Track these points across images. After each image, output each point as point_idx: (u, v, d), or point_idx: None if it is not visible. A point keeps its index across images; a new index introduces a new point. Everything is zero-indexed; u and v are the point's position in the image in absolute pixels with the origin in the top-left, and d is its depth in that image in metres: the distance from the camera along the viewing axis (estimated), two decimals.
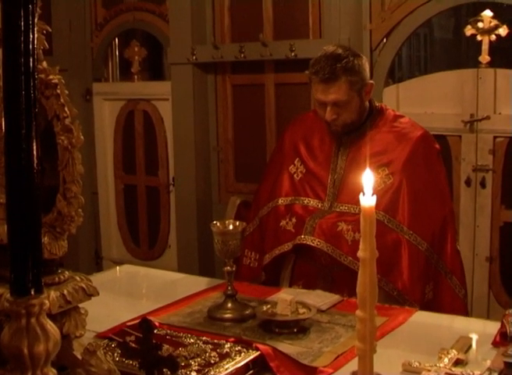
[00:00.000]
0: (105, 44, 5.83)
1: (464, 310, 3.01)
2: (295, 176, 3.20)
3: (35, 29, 1.04)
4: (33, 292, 1.10)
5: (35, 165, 1.07)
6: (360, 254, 1.52)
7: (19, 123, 1.05)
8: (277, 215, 3.16)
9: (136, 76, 5.73)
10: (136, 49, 5.70)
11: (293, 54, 4.65)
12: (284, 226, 3.10)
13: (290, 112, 4.69)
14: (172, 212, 5.55)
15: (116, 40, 5.89)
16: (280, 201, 3.17)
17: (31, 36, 1.04)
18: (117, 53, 5.96)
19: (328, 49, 3.00)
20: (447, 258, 3.02)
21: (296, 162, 3.22)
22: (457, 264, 3.09)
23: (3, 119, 1.17)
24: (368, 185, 1.50)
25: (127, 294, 3.13)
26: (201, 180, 5.30)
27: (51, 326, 1.13)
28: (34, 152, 1.06)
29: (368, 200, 1.49)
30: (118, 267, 3.68)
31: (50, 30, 1.48)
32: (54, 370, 1.14)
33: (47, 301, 1.11)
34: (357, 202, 2.88)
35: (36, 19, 1.05)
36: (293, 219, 3.08)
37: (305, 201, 3.12)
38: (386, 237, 2.84)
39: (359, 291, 1.52)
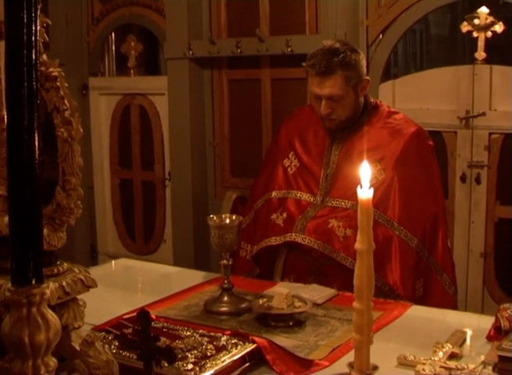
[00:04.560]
0: (102, 38, 5.83)
1: (453, 307, 3.02)
2: (289, 169, 3.22)
3: (37, 21, 1.05)
4: (34, 282, 1.11)
5: (37, 156, 1.08)
6: (357, 246, 1.53)
7: (21, 115, 1.06)
8: (269, 207, 3.18)
9: (132, 71, 5.74)
10: (132, 44, 5.70)
11: (289, 49, 4.66)
12: (274, 219, 3.12)
13: (286, 108, 4.70)
14: (168, 207, 5.56)
15: (113, 34, 5.89)
16: (273, 193, 3.20)
17: (34, 28, 1.04)
18: (113, 48, 5.96)
19: (326, 43, 3.01)
20: (438, 255, 3.04)
21: (290, 155, 3.24)
22: (448, 261, 3.10)
23: (4, 111, 1.17)
24: (365, 178, 1.51)
25: (123, 287, 3.14)
26: (197, 175, 5.30)
27: (51, 315, 1.14)
28: (36, 144, 1.07)
29: (365, 192, 1.50)
30: (113, 261, 3.68)
31: (50, 23, 1.49)
32: (54, 359, 1.15)
33: (47, 291, 1.12)
34: (349, 197, 2.94)
35: (38, 12, 1.06)
36: (284, 215, 3.10)
37: (298, 195, 3.13)
38: (377, 233, 2.84)
39: (356, 283, 1.53)
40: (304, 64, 3.03)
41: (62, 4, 5.65)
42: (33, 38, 1.05)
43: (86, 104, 5.80)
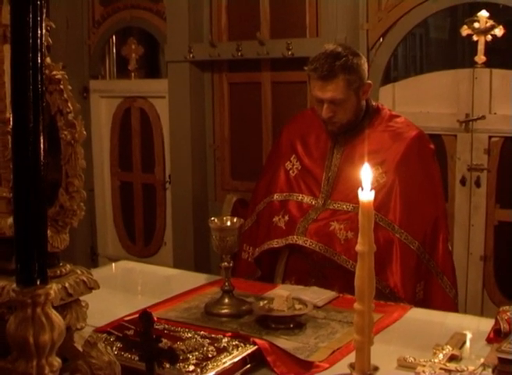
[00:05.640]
0: (102, 41, 5.84)
1: (454, 310, 3.03)
2: (290, 172, 3.23)
3: (43, 24, 1.06)
4: (38, 283, 1.12)
5: (42, 158, 1.09)
6: (358, 248, 1.54)
7: (26, 117, 1.06)
8: (271, 210, 3.19)
9: (133, 74, 5.75)
10: (133, 47, 5.71)
11: (289, 52, 4.67)
12: (276, 222, 3.13)
13: (287, 111, 4.72)
14: (168, 210, 5.56)
15: (113, 37, 5.90)
16: (275, 196, 3.21)
17: (39, 31, 1.05)
18: (114, 50, 5.97)
19: (328, 47, 3.03)
20: (438, 258, 3.04)
21: (292, 158, 3.25)
22: (448, 264, 3.11)
23: (8, 114, 1.18)
24: (366, 180, 1.52)
25: (124, 289, 3.14)
26: (197, 178, 5.31)
27: (56, 316, 1.15)
28: (41, 146, 1.08)
29: (366, 195, 1.51)
30: (114, 263, 3.69)
31: (54, 26, 1.50)
32: (58, 359, 1.16)
33: (52, 292, 1.13)
34: (350, 200, 2.95)
35: (44, 15, 1.07)
36: (286, 217, 3.11)
37: (299, 198, 3.14)
38: (378, 236, 2.85)
39: (357, 285, 1.54)
40: (305, 68, 3.05)
41: (63, 6, 5.66)
42: (38, 41, 1.06)
43: (86, 107, 5.80)
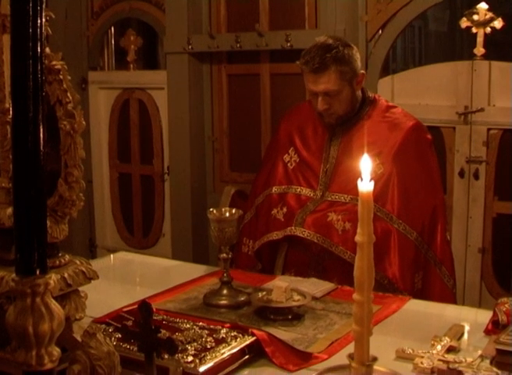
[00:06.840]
0: (101, 32, 5.83)
1: (452, 300, 3.04)
2: (289, 165, 3.23)
3: (43, 14, 1.06)
4: (38, 272, 1.12)
5: (42, 147, 1.09)
6: (357, 238, 1.54)
7: (26, 107, 1.06)
8: (270, 203, 3.19)
9: (131, 65, 5.73)
10: (132, 38, 5.70)
11: (288, 44, 4.67)
12: (275, 214, 3.13)
13: (285, 102, 4.72)
14: (167, 201, 5.57)
15: (112, 29, 5.89)
16: (274, 189, 3.21)
17: (39, 21, 1.05)
18: (113, 42, 5.96)
19: (319, 40, 3.03)
20: (437, 248, 3.05)
21: (290, 151, 3.25)
22: (447, 254, 3.11)
23: (8, 104, 1.18)
24: (365, 170, 1.52)
25: (122, 281, 3.14)
26: (196, 170, 5.31)
27: (55, 305, 1.15)
28: (41, 135, 1.08)
29: (365, 185, 1.51)
30: (112, 255, 3.68)
31: (53, 16, 1.50)
32: (58, 349, 1.16)
33: (52, 281, 1.13)
34: (348, 191, 2.95)
35: (43, 5, 1.07)
36: (284, 209, 3.11)
37: (298, 190, 3.15)
38: (376, 226, 2.84)
39: (356, 275, 1.54)
40: (297, 62, 3.05)
41: None
42: (38, 31, 1.06)
43: (85, 98, 5.79)
